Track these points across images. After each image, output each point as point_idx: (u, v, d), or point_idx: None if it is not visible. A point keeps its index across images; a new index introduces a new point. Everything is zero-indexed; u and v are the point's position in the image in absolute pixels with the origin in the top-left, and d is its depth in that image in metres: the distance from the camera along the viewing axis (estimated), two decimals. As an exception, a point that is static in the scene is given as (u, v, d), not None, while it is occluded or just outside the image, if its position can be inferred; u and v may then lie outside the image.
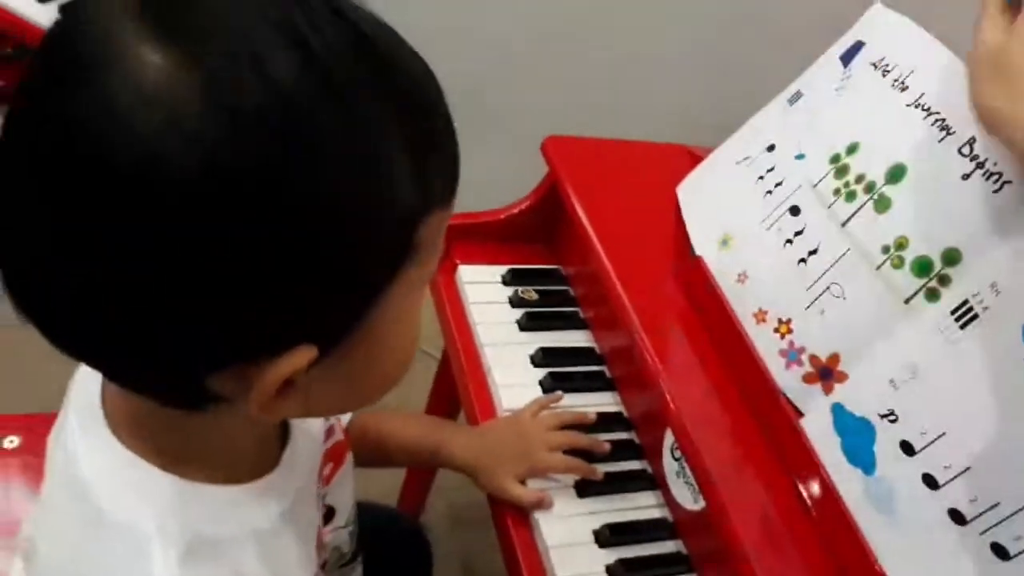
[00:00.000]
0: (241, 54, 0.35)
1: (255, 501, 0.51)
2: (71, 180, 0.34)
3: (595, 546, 0.76)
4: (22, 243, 0.37)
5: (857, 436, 0.66)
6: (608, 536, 0.76)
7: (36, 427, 0.60)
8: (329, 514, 0.68)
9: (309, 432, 0.59)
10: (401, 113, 0.39)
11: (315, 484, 0.60)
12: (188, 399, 0.43)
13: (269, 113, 0.35)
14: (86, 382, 0.50)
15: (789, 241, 0.78)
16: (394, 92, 0.40)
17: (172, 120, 0.33)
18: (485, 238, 1.00)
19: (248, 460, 0.51)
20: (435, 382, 1.18)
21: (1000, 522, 0.58)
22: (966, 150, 0.66)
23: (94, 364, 0.43)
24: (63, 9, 0.37)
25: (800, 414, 0.71)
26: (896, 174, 0.70)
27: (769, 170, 0.81)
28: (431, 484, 1.33)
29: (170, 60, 0.34)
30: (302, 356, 0.40)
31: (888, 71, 0.75)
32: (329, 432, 0.66)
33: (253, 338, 0.39)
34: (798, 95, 0.84)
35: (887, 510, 0.63)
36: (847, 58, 0.80)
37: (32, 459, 0.65)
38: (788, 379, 0.74)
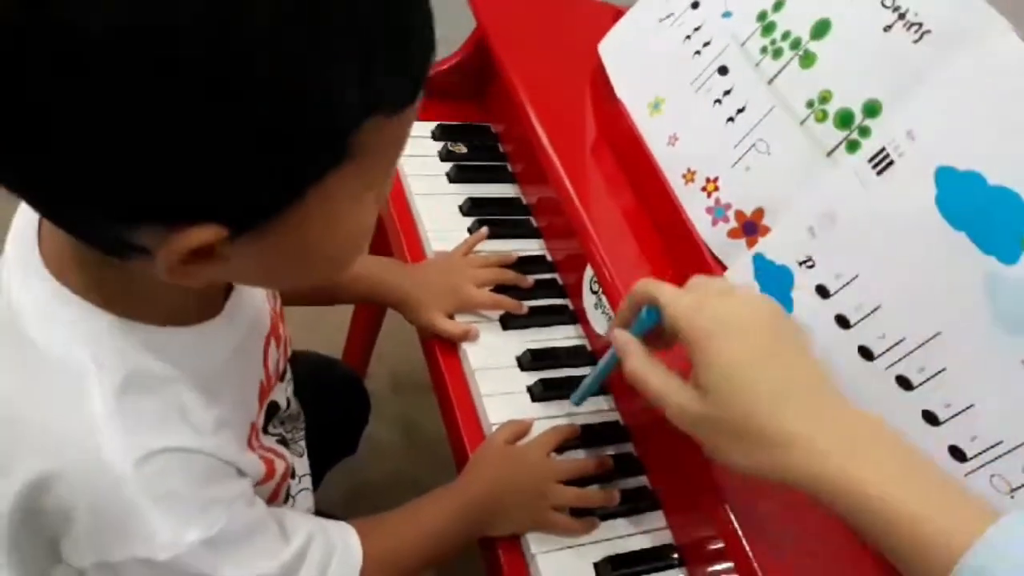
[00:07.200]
0: None
1: (194, 343, 0.51)
2: None
3: (517, 369, 0.80)
4: None
5: (776, 283, 0.68)
6: (530, 360, 0.80)
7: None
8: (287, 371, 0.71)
9: (253, 290, 0.60)
10: (362, 8, 0.37)
11: (262, 339, 0.61)
12: (108, 246, 0.44)
13: None
14: (27, 213, 0.50)
15: (718, 101, 0.78)
16: None
17: None
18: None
19: (187, 307, 0.51)
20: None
21: (905, 356, 0.61)
22: (888, 1, 0.67)
23: (24, 193, 0.42)
24: None
25: (724, 268, 0.74)
26: (821, 29, 0.71)
27: (696, 29, 0.81)
28: (374, 342, 1.34)
29: None
30: (209, 232, 0.40)
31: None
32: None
33: (164, 200, 0.39)
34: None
35: (803, 351, 0.66)
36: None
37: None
38: (714, 235, 0.76)
